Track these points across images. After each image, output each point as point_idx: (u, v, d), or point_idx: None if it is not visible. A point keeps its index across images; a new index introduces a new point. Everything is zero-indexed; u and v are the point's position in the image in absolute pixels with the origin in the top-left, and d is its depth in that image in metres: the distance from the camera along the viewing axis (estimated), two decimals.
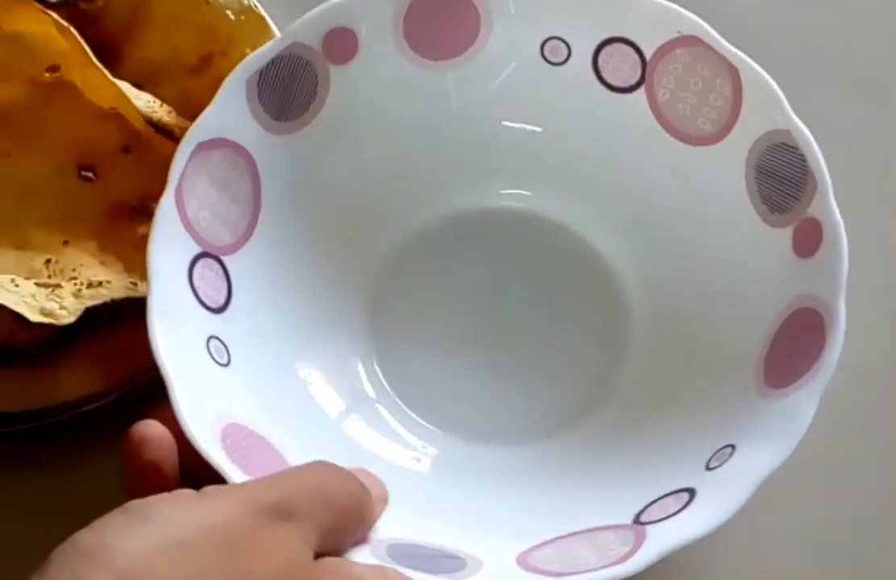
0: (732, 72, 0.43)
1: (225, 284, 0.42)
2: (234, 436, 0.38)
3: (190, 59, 0.49)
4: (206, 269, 0.41)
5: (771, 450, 0.38)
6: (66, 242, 0.45)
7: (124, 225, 0.46)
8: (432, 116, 0.47)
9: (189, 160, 0.41)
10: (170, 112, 0.47)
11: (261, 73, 0.43)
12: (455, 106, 0.47)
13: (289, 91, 0.44)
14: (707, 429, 0.40)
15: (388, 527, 0.37)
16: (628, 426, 0.43)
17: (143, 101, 0.47)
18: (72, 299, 0.43)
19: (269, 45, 0.43)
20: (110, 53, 0.48)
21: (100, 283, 0.44)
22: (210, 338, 0.40)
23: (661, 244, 0.46)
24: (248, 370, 0.41)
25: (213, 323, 0.41)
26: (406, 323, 0.46)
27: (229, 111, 0.43)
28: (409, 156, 0.47)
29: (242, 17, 0.48)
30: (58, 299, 0.43)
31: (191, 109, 0.47)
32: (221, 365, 0.40)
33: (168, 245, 0.40)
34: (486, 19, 0.46)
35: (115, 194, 0.47)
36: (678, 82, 0.45)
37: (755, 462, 0.38)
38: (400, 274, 0.46)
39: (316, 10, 0.44)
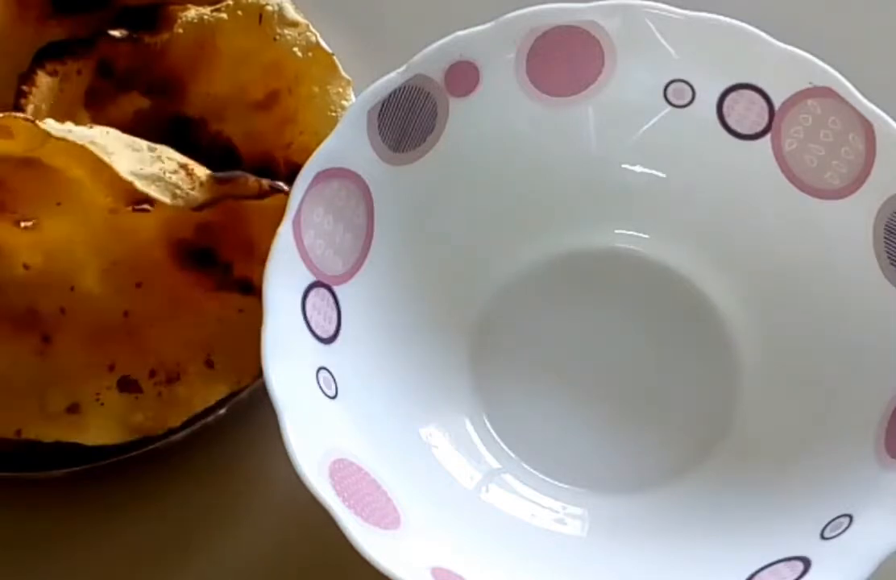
0: (866, 126, 0.42)
1: (335, 314, 0.42)
2: (342, 471, 0.38)
3: (256, 96, 0.48)
4: (318, 298, 0.41)
5: (892, 523, 0.37)
6: (138, 285, 0.45)
7: (194, 273, 0.45)
8: (549, 153, 0.46)
9: (308, 189, 0.41)
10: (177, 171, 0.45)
11: (382, 104, 0.43)
12: (573, 143, 0.46)
13: (408, 122, 0.44)
14: (822, 495, 0.39)
15: None
16: (740, 480, 0.42)
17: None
18: (155, 408, 0.43)
19: (391, 75, 0.43)
20: (174, 88, 0.48)
21: (177, 377, 0.43)
22: (320, 369, 0.40)
23: (778, 297, 0.44)
24: (355, 404, 0.41)
25: (323, 354, 0.41)
26: (511, 366, 0.45)
27: (349, 141, 0.42)
28: (523, 193, 0.46)
29: (310, 55, 0.48)
30: (142, 409, 0.43)
31: (256, 146, 0.47)
32: (329, 397, 0.40)
33: (284, 275, 0.40)
34: (611, 58, 0.45)
35: (175, 226, 0.45)
36: (807, 133, 0.43)
37: (874, 536, 0.37)
38: (506, 313, 0.46)
39: (439, 43, 0.44)
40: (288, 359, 0.39)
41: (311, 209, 0.41)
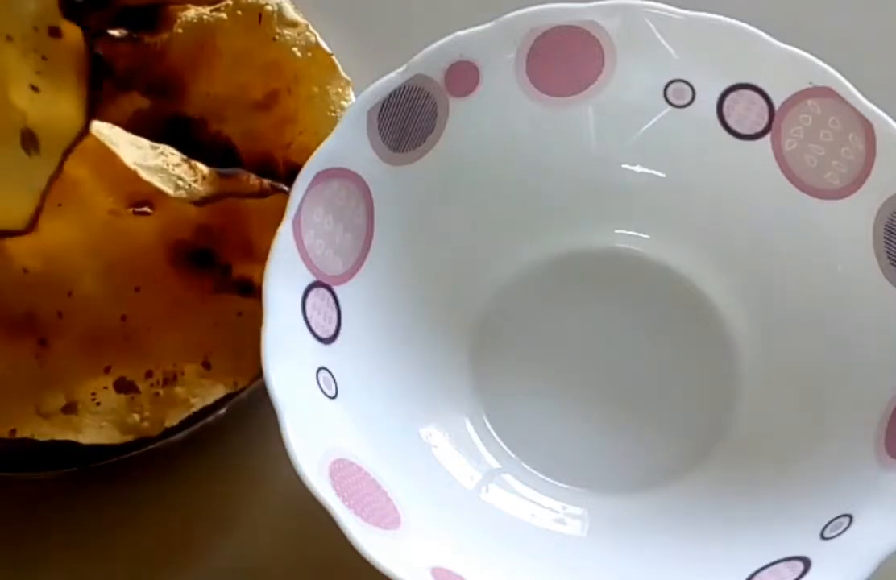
0: (866, 126, 0.42)
1: (335, 314, 0.42)
2: (342, 471, 0.38)
3: (255, 96, 0.48)
4: (318, 298, 0.41)
5: (892, 523, 0.37)
6: (137, 289, 0.45)
7: (192, 275, 0.45)
8: (550, 153, 0.46)
9: (308, 189, 0.41)
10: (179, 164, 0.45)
11: (382, 104, 0.43)
12: (573, 143, 0.46)
13: (408, 122, 0.44)
14: (822, 494, 0.39)
15: None
16: (740, 480, 0.42)
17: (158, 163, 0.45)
18: (151, 407, 0.43)
19: (391, 75, 0.43)
20: (174, 88, 0.48)
21: (174, 378, 0.43)
22: (320, 369, 0.40)
23: (779, 297, 0.44)
24: (355, 404, 0.41)
25: (323, 354, 0.41)
26: (511, 366, 0.45)
27: (349, 141, 0.42)
28: (523, 193, 0.46)
29: (309, 55, 0.48)
30: (138, 409, 0.43)
31: (256, 146, 0.47)
32: (329, 397, 0.40)
33: (284, 275, 0.40)
34: (610, 58, 0.45)
35: (174, 228, 0.46)
36: (807, 133, 0.43)
37: (874, 536, 0.37)
38: (506, 313, 0.46)
39: (439, 43, 0.44)
40: (288, 359, 0.39)
41: (311, 209, 0.41)
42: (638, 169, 0.46)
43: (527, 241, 0.46)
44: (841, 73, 0.43)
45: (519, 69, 0.45)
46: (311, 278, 0.41)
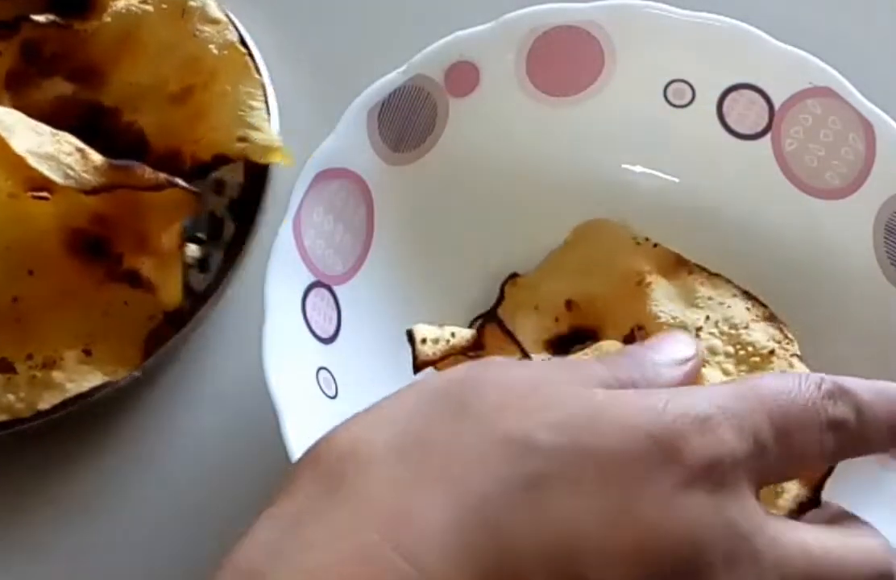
0: (866, 126, 0.42)
1: (335, 314, 0.42)
2: None
3: (172, 89, 0.48)
4: (318, 298, 0.41)
5: (892, 523, 0.37)
6: (30, 272, 0.45)
7: (85, 262, 0.45)
8: (549, 152, 0.46)
9: (308, 189, 0.41)
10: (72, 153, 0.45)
11: (382, 104, 0.43)
12: (573, 143, 0.46)
13: (408, 122, 0.44)
14: (822, 495, 0.39)
15: None
16: None
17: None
18: (27, 389, 0.43)
19: (391, 75, 0.43)
20: (95, 75, 0.48)
21: (53, 362, 0.43)
22: (320, 369, 0.40)
23: (779, 296, 0.44)
24: (355, 404, 0.40)
25: (323, 354, 0.41)
26: None
27: (349, 141, 0.43)
28: (523, 193, 0.46)
29: (225, 53, 0.48)
30: (14, 390, 0.43)
31: (167, 139, 0.47)
32: (329, 397, 0.40)
33: (284, 275, 0.40)
34: (610, 58, 0.45)
35: (71, 215, 0.45)
36: (807, 133, 0.44)
37: None
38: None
39: (439, 43, 0.44)
40: (288, 359, 0.39)
41: (311, 209, 0.41)
42: (638, 169, 0.46)
43: (526, 240, 0.46)
44: (841, 73, 0.43)
45: (519, 69, 0.45)
46: (311, 278, 0.41)
